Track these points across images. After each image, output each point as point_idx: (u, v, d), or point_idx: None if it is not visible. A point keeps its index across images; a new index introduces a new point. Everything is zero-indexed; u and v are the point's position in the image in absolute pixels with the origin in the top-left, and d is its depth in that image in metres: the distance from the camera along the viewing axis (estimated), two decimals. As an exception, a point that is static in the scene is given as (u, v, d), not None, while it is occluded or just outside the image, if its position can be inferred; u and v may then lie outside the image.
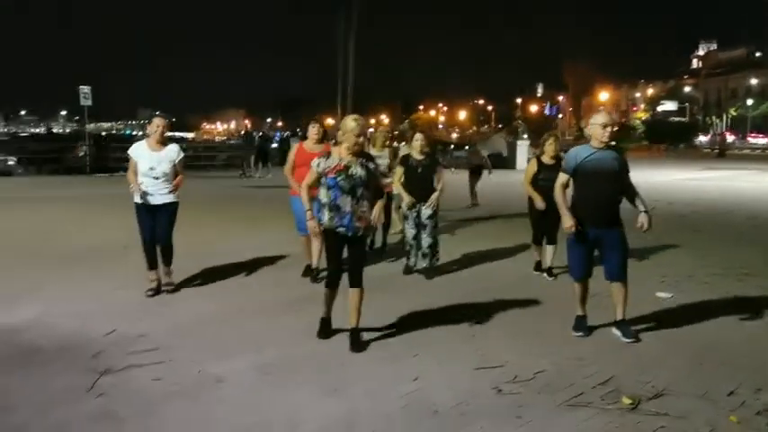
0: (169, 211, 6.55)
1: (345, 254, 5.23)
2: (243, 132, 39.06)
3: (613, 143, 5.66)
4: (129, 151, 6.57)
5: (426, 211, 7.50)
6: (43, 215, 12.55)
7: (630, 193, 5.50)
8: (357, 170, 5.08)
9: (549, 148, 7.52)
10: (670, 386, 4.35)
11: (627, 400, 4.13)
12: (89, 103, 23.81)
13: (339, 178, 5.03)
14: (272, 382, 4.38)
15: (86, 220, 11.82)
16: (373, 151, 9.04)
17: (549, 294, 6.63)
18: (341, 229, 5.07)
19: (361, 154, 5.16)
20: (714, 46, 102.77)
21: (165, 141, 6.58)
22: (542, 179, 7.38)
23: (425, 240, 7.53)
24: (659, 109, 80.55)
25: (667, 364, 4.78)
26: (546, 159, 7.54)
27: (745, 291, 6.88)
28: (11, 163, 31.80)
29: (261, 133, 29.96)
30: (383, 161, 8.77)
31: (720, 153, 44.49)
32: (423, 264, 7.57)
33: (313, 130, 7.37)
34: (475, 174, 15.13)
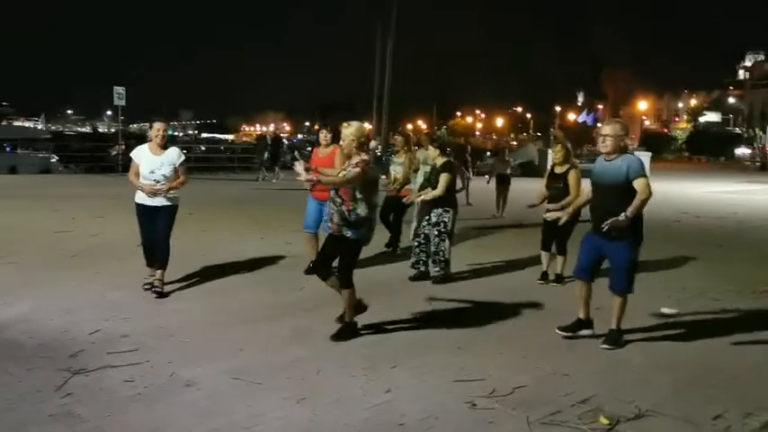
0: (168, 212, 6.58)
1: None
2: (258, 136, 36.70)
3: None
4: (132, 154, 6.70)
5: (432, 217, 7.40)
6: (65, 212, 12.68)
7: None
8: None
9: (553, 156, 7.42)
10: (654, 407, 4.15)
11: (604, 420, 3.95)
12: (123, 103, 24.27)
13: None
14: (241, 387, 4.30)
15: (106, 217, 11.91)
16: (394, 157, 9.16)
17: (550, 307, 6.44)
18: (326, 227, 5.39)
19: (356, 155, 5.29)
20: (761, 57, 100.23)
21: (165, 145, 6.61)
22: (548, 187, 7.30)
23: (432, 247, 7.43)
24: (701, 120, 78.93)
25: (656, 383, 4.58)
26: (556, 168, 7.40)
27: (756, 309, 6.60)
28: (52, 161, 32.66)
29: (273, 135, 28.38)
30: (400, 167, 8.80)
31: (762, 166, 43.38)
32: (433, 269, 7.46)
33: (322, 135, 7.64)
34: (501, 184, 14.78)
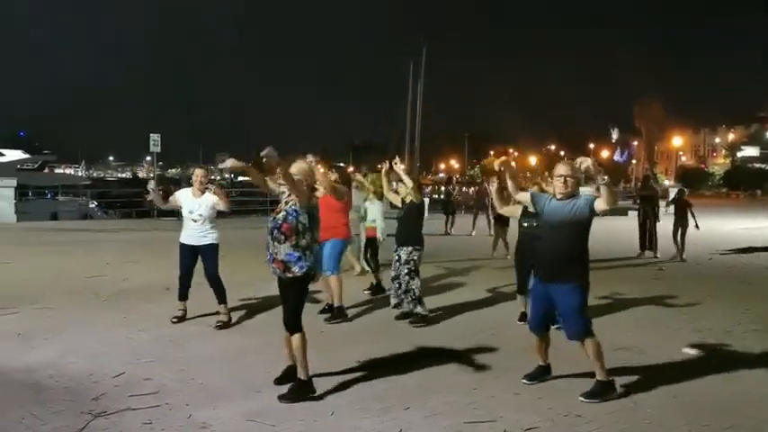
0: (210, 250, 7.29)
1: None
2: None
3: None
4: (176, 192, 7.54)
5: (402, 255, 7.40)
6: (99, 257, 12.96)
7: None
8: (281, 213, 5.07)
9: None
10: (666, 449, 4.14)
11: (613, 462, 3.95)
12: (158, 149, 24.94)
13: (271, 217, 5.16)
14: (254, 429, 4.40)
15: (139, 262, 12.19)
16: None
17: (561, 347, 6.39)
18: (270, 269, 5.16)
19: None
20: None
21: (204, 189, 7.30)
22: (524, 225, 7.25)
23: (402, 285, 7.41)
24: (740, 155, 77.70)
25: (670, 424, 4.55)
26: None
27: (781, 349, 6.50)
28: (92, 206, 33.56)
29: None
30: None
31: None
32: (407, 307, 7.44)
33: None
34: (499, 224, 13.85)
